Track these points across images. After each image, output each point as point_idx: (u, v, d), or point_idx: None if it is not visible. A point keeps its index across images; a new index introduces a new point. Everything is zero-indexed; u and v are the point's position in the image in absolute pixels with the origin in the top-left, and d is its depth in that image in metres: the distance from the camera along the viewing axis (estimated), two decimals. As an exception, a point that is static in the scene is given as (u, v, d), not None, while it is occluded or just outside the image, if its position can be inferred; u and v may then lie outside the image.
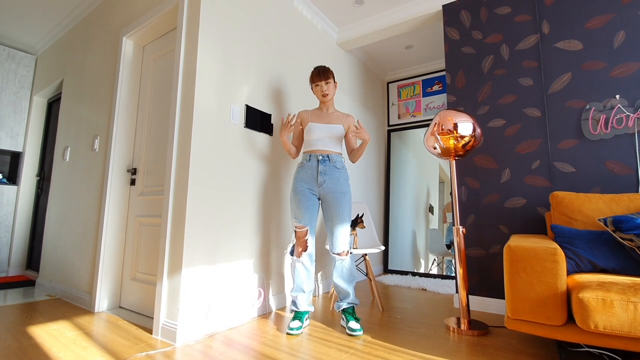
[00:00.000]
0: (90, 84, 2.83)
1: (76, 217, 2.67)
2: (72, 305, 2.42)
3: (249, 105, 2.26)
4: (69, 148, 2.95)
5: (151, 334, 1.85)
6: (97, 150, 2.59)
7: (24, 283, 3.08)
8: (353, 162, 2.20)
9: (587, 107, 2.11)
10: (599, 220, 1.64)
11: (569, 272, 1.58)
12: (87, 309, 2.33)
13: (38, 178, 3.70)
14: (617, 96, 2.04)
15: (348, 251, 2.01)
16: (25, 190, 3.65)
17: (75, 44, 3.17)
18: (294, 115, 2.12)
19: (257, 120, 2.31)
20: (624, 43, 2.05)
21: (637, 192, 1.93)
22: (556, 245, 1.44)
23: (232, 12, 2.19)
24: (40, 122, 3.81)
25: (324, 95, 2.12)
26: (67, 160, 2.94)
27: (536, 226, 2.20)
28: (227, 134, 2.09)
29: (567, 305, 1.39)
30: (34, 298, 2.61)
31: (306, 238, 1.99)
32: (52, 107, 3.77)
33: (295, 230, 2.02)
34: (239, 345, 1.70)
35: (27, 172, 3.67)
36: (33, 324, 2.00)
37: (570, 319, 1.40)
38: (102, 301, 2.29)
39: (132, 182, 2.45)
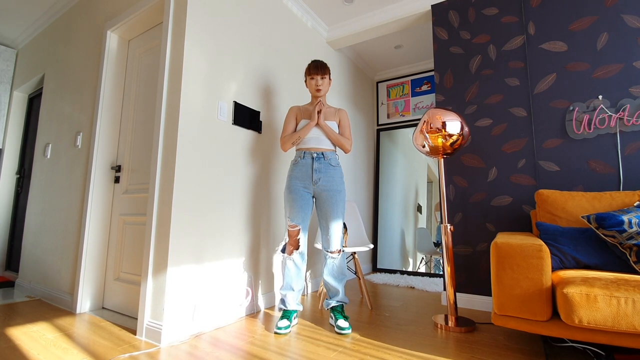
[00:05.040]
0: (72, 79, 2.75)
1: (57, 215, 2.60)
2: (52, 307, 2.34)
3: (237, 102, 2.24)
4: (50, 145, 2.86)
5: (135, 334, 1.81)
6: (79, 147, 2.51)
7: (3, 284, 2.97)
8: (345, 152, 2.12)
9: (571, 107, 2.16)
10: (582, 217, 1.67)
11: (554, 269, 1.60)
12: (68, 310, 2.27)
13: (18, 176, 3.58)
14: (600, 97, 2.08)
15: (341, 249, 2.01)
16: (4, 189, 3.53)
17: (57, 38, 3.08)
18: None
19: (245, 117, 2.28)
20: (606, 45, 2.09)
21: (619, 190, 1.98)
22: (541, 242, 1.46)
23: (220, 7, 2.15)
24: (21, 118, 3.69)
25: (318, 90, 2.09)
26: (49, 157, 2.85)
27: (522, 224, 2.23)
28: (214, 131, 2.06)
29: (552, 301, 1.41)
30: (13, 299, 2.52)
31: (298, 237, 1.98)
32: (33, 103, 3.65)
33: (287, 229, 2.00)
34: (225, 345, 1.67)
35: (6, 169, 3.55)
36: (12, 325, 1.93)
37: (555, 314, 1.42)
38: (84, 302, 2.23)
39: (117, 180, 2.39)
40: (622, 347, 1.53)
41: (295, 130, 2.10)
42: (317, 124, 2.04)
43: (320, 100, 2.05)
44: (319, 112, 2.03)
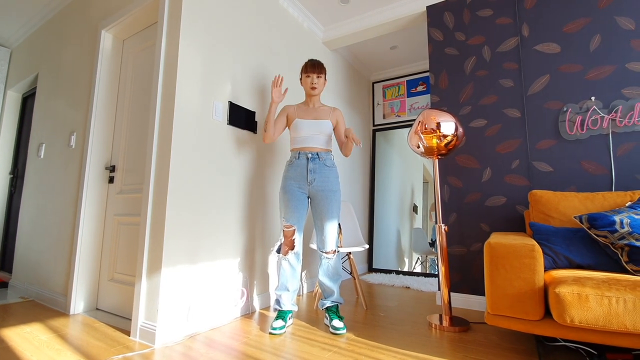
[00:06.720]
0: (66, 79, 2.74)
1: (51, 216, 2.58)
2: (46, 308, 2.33)
3: (233, 102, 2.23)
4: (44, 145, 2.84)
5: (129, 335, 1.80)
6: (73, 146, 2.50)
7: (-4, 285, 2.95)
8: (346, 156, 2.14)
9: (564, 108, 2.17)
10: (575, 217, 1.69)
11: (547, 268, 1.62)
12: (62, 311, 2.25)
13: (11, 176, 3.56)
14: (593, 98, 2.10)
15: (335, 250, 2.01)
16: (-3, 189, 3.50)
17: (51, 37, 3.06)
18: (281, 79, 2.08)
19: (241, 117, 2.27)
20: (599, 46, 2.11)
21: (611, 190, 1.99)
22: (534, 242, 1.47)
23: (215, 7, 2.15)
24: (14, 118, 3.66)
25: (313, 88, 2.09)
26: (42, 157, 2.83)
27: (516, 224, 2.25)
28: (209, 131, 2.05)
29: (545, 301, 1.42)
30: (7, 300, 2.50)
31: (293, 237, 1.98)
32: (27, 102, 3.63)
33: (283, 229, 2.00)
34: (220, 346, 1.67)
35: (-1, 169, 3.52)
36: (5, 326, 1.91)
37: (547, 314, 1.43)
38: (78, 303, 2.21)
39: (111, 180, 2.38)
40: (614, 346, 1.54)
41: (282, 127, 2.15)
42: (275, 103, 2.05)
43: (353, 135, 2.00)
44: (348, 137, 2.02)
